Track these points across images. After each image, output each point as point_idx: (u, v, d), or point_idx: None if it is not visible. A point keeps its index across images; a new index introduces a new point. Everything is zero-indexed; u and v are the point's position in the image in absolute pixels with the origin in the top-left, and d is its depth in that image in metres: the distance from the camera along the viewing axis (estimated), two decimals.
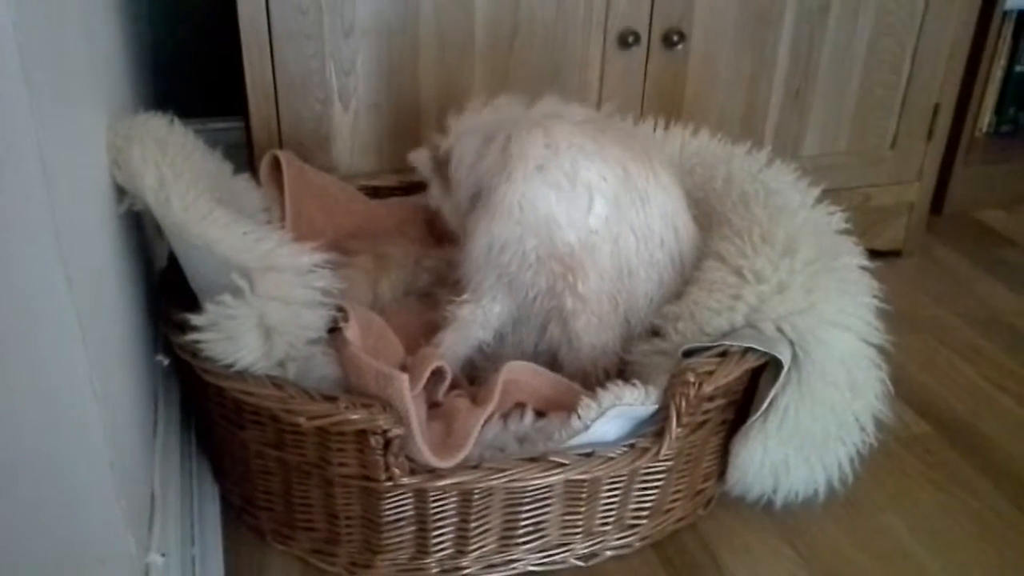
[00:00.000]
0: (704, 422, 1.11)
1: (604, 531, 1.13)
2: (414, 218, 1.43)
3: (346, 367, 1.03)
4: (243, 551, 1.13)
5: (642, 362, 1.16)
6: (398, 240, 1.38)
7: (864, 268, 1.19)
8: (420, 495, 1.02)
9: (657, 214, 1.16)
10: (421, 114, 1.47)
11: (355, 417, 0.95)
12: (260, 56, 1.35)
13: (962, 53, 1.71)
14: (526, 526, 1.08)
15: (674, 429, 1.02)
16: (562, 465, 1.01)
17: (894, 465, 1.31)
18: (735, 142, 1.40)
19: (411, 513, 1.04)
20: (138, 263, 1.12)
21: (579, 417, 1.03)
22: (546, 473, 1.00)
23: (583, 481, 1.05)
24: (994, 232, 2.01)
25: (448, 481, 0.99)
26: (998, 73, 2.06)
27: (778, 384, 1.08)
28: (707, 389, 1.03)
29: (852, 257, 1.19)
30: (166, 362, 1.15)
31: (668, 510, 1.16)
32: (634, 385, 1.04)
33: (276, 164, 1.35)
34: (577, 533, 1.11)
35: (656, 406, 1.04)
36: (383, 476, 0.99)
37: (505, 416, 1.09)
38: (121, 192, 1.03)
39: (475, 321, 1.20)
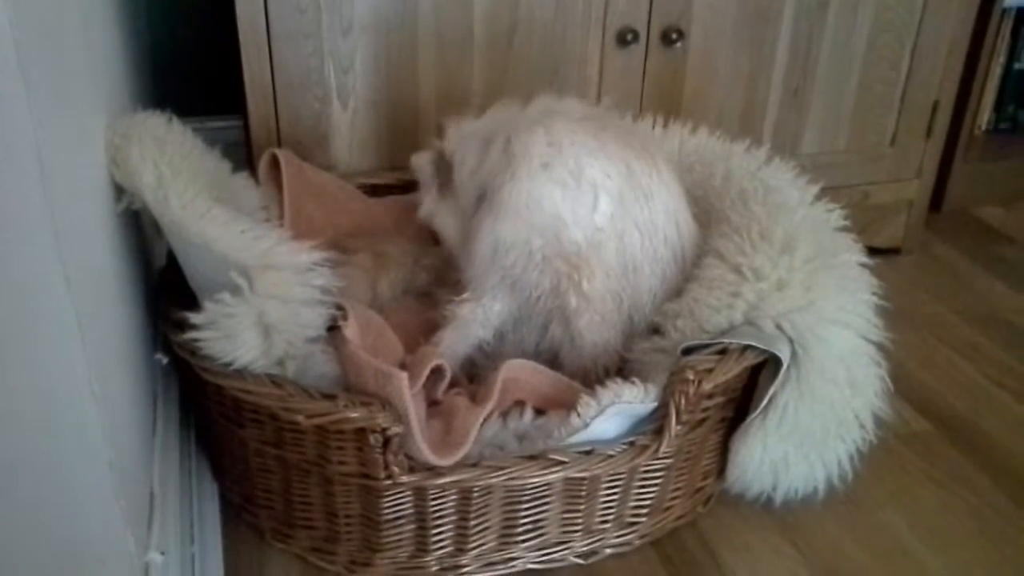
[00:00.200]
0: (703, 420, 1.11)
1: (603, 529, 1.13)
2: (413, 216, 1.42)
3: (345, 365, 1.03)
4: (242, 549, 1.13)
5: (642, 360, 1.16)
6: (397, 238, 1.37)
7: (863, 265, 1.19)
8: (419, 493, 1.02)
9: (660, 210, 1.16)
10: (420, 112, 1.47)
11: (354, 415, 0.95)
12: (258, 54, 1.35)
13: (961, 50, 1.71)
14: (525, 524, 1.08)
15: (673, 427, 1.02)
16: (561, 463, 1.00)
17: (894, 462, 1.31)
18: (734, 140, 1.40)
19: (410, 511, 1.04)
20: (137, 262, 1.12)
21: (578, 415, 1.03)
22: (545, 471, 1.00)
23: (582, 479, 1.05)
24: (993, 229, 2.01)
25: (447, 479, 0.99)
26: (997, 70, 2.06)
27: (777, 381, 1.08)
28: (706, 387, 1.03)
29: (851, 254, 1.19)
30: (165, 360, 1.15)
31: (667, 508, 1.16)
32: (633, 383, 1.04)
33: (275, 162, 1.35)
34: (576, 531, 1.11)
35: (655, 404, 1.04)
36: (382, 474, 0.99)
37: (504, 414, 1.09)
38: (119, 191, 1.03)
39: (475, 320, 1.20)
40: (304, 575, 1.11)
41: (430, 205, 1.26)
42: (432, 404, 1.09)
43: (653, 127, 1.42)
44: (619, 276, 1.16)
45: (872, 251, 1.24)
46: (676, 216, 1.18)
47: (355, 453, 1.00)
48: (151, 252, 1.22)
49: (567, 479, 1.04)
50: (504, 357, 1.14)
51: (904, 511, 1.23)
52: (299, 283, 1.01)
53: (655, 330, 1.17)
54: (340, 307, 1.06)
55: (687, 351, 1.08)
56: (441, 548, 1.08)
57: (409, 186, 1.43)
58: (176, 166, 1.05)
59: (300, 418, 0.98)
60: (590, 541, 1.13)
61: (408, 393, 0.96)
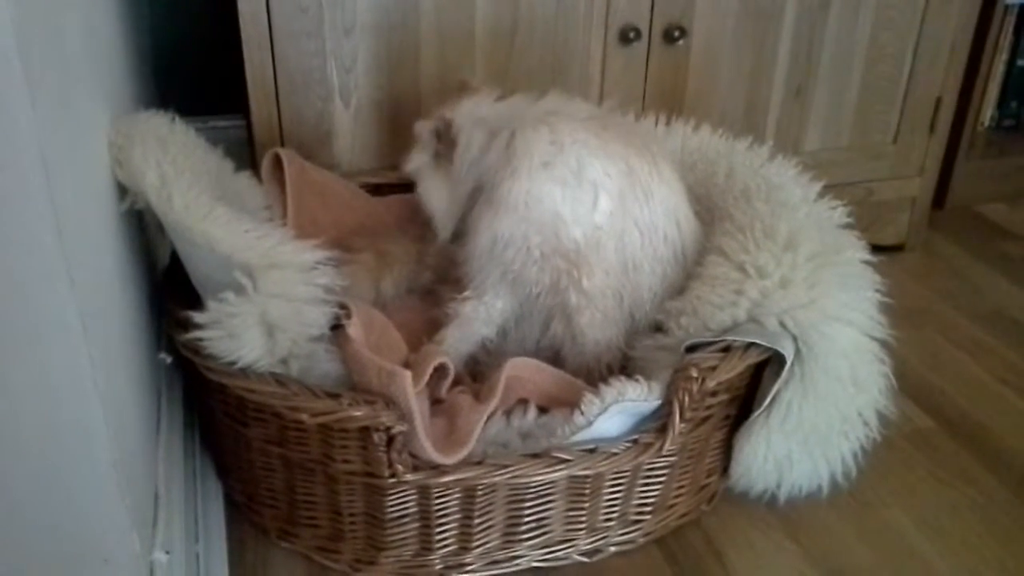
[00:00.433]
0: (707, 417, 1.11)
1: (607, 527, 1.13)
2: (415, 215, 1.42)
3: (349, 364, 1.03)
4: (247, 548, 1.14)
5: (645, 357, 1.16)
6: (400, 237, 1.38)
7: (866, 263, 1.19)
8: (423, 491, 1.02)
9: (660, 209, 1.16)
10: (422, 111, 1.46)
11: (358, 414, 0.95)
12: (261, 54, 1.35)
13: (964, 47, 1.71)
14: (529, 522, 1.08)
15: (677, 424, 1.02)
16: (565, 461, 1.00)
17: (898, 460, 1.31)
18: (737, 137, 1.40)
19: (414, 509, 1.04)
20: (140, 261, 1.12)
21: (582, 413, 1.03)
22: (549, 469, 1.00)
23: (586, 477, 1.05)
24: (996, 226, 2.01)
25: (451, 477, 0.99)
26: (1000, 67, 2.06)
27: (781, 379, 1.08)
28: (710, 384, 1.03)
29: (854, 252, 1.19)
30: (169, 360, 1.15)
31: (671, 506, 1.16)
32: (637, 381, 1.04)
33: (277, 162, 1.35)
34: (580, 529, 1.11)
35: (659, 401, 1.04)
36: (386, 473, 0.99)
37: (508, 412, 1.09)
38: (123, 190, 1.03)
39: (477, 317, 1.20)
40: (308, 574, 1.11)
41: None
42: (436, 402, 1.09)
43: (656, 125, 1.42)
44: (619, 274, 1.16)
45: (875, 248, 1.24)
46: (677, 215, 1.18)
47: (359, 451, 1.00)
48: (154, 252, 1.22)
49: (571, 477, 1.04)
50: (507, 354, 1.14)
51: (908, 508, 1.23)
52: (302, 282, 1.01)
53: (658, 328, 1.17)
54: (343, 306, 1.06)
55: (691, 349, 1.08)
56: (445, 546, 1.08)
57: (412, 185, 1.43)
58: (179, 166, 1.05)
59: (304, 417, 0.98)
60: (594, 539, 1.13)
61: (412, 391, 0.96)
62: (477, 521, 1.06)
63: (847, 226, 1.23)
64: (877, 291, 1.17)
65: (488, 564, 1.10)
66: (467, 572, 1.10)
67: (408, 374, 0.96)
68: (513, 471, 0.99)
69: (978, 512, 1.23)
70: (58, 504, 0.74)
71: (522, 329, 1.22)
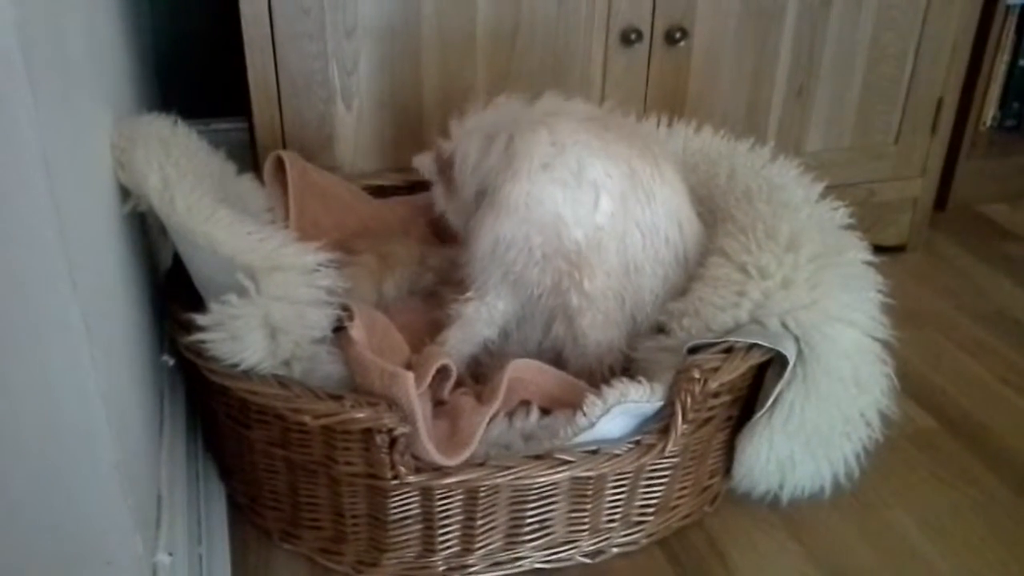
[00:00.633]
0: (709, 418, 1.11)
1: (610, 528, 1.13)
2: (418, 217, 1.43)
3: (351, 366, 1.03)
4: (250, 550, 1.14)
5: (647, 359, 1.16)
6: (402, 239, 1.38)
7: (868, 263, 1.19)
8: (426, 493, 1.02)
9: (662, 210, 1.16)
10: (424, 113, 1.47)
11: (361, 416, 0.95)
12: (263, 56, 1.35)
13: (965, 47, 1.71)
14: (532, 523, 1.08)
15: (679, 426, 1.02)
16: (568, 462, 1.01)
17: (900, 460, 1.31)
18: (738, 138, 1.40)
19: (417, 511, 1.05)
20: (143, 264, 1.12)
21: (584, 414, 1.03)
22: (552, 470, 1.00)
23: (589, 478, 1.05)
24: (998, 226, 2.01)
25: (454, 479, 0.99)
26: (1001, 67, 2.05)
27: (783, 380, 1.08)
28: (712, 385, 1.03)
29: (856, 252, 1.19)
30: (171, 362, 1.15)
31: (674, 507, 1.16)
32: (639, 382, 1.04)
33: (280, 164, 1.35)
34: (583, 530, 1.11)
35: (661, 403, 1.04)
36: (389, 474, 0.99)
37: (510, 414, 1.09)
38: (125, 193, 1.03)
39: (479, 319, 1.20)
40: (311, 575, 1.11)
41: (441, 201, 1.26)
42: (438, 404, 1.09)
43: (658, 126, 1.42)
44: (620, 276, 1.16)
45: (877, 249, 1.24)
46: (679, 216, 1.18)
47: (361, 453, 1.00)
48: (157, 254, 1.22)
49: (573, 478, 1.04)
50: (508, 356, 1.14)
51: (911, 509, 1.23)
52: (305, 284, 1.01)
53: (660, 329, 1.17)
54: (346, 308, 1.06)
55: (693, 350, 1.08)
56: (448, 548, 1.08)
57: (414, 187, 1.43)
58: (182, 168, 1.05)
59: (307, 419, 0.98)
60: (597, 540, 1.13)
61: (414, 393, 0.96)
62: (480, 522, 1.06)
63: (849, 227, 1.23)
64: (879, 292, 1.17)
65: (491, 566, 1.10)
66: (470, 573, 1.10)
67: (410, 376, 0.96)
68: (516, 472, 0.99)
69: (980, 512, 1.23)
70: (61, 506, 0.74)
71: (524, 330, 1.22)
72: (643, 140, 1.20)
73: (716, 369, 1.04)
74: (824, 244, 1.15)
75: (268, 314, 0.98)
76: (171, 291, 1.14)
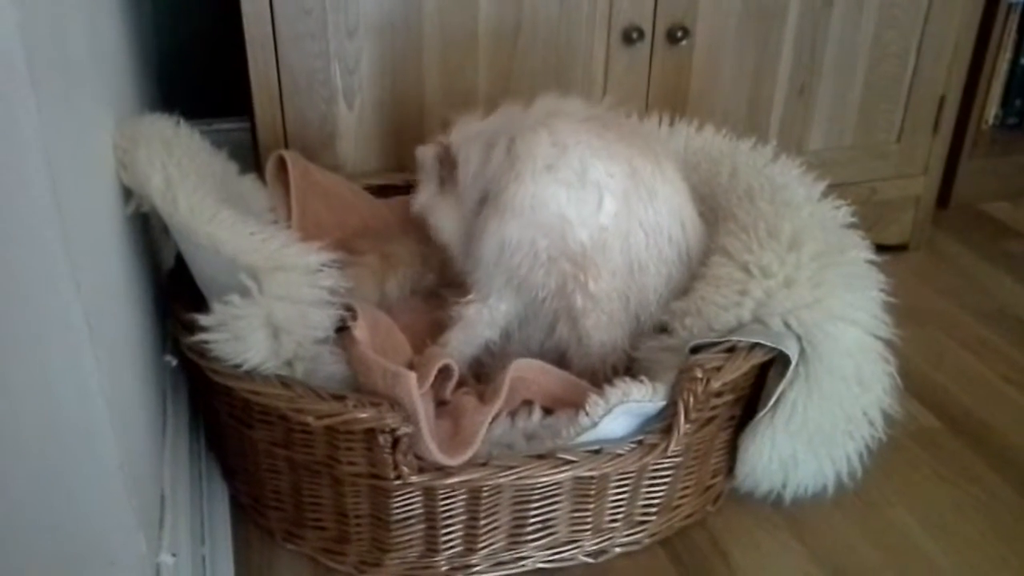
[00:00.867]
0: (712, 418, 1.11)
1: (613, 528, 1.13)
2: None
3: (354, 366, 1.03)
4: (253, 550, 1.14)
5: (650, 358, 1.16)
6: (404, 239, 1.38)
7: (871, 262, 1.19)
8: (429, 493, 1.03)
9: (665, 209, 1.15)
10: (425, 112, 1.47)
11: (363, 416, 0.95)
12: (265, 56, 1.35)
13: (967, 45, 1.71)
14: (535, 523, 1.08)
15: (682, 425, 1.02)
16: (570, 462, 1.01)
17: (903, 459, 1.31)
18: (740, 137, 1.40)
19: (420, 511, 1.05)
20: (145, 264, 1.12)
21: (587, 414, 1.03)
22: (554, 470, 1.00)
23: (591, 478, 1.05)
24: (1001, 224, 2.01)
25: (457, 479, 0.99)
26: (1003, 66, 2.05)
27: (786, 379, 1.08)
28: (715, 385, 1.03)
29: (858, 251, 1.19)
30: (174, 362, 1.15)
31: (677, 506, 1.16)
32: (642, 382, 1.04)
33: (282, 164, 1.35)
34: (586, 530, 1.11)
35: (664, 402, 1.04)
36: (392, 474, 0.99)
37: (513, 414, 1.09)
38: (128, 193, 1.03)
39: (481, 321, 1.20)
40: (314, 575, 1.11)
41: (426, 199, 1.25)
42: (440, 404, 1.09)
43: (659, 125, 1.42)
44: (625, 275, 1.16)
45: (879, 247, 1.24)
46: (681, 215, 1.18)
47: (364, 453, 1.00)
48: (159, 254, 1.22)
49: (576, 478, 1.04)
50: (511, 357, 1.14)
51: (914, 508, 1.23)
52: (307, 284, 1.01)
53: (663, 329, 1.17)
54: (349, 308, 1.06)
55: (695, 349, 1.08)
56: (451, 548, 1.08)
57: (416, 186, 1.43)
58: (184, 168, 1.05)
59: (309, 419, 0.98)
60: (599, 540, 1.13)
61: (417, 393, 0.96)
62: (482, 522, 1.06)
63: (851, 225, 1.23)
64: (881, 290, 1.17)
65: (494, 565, 1.10)
66: (473, 573, 1.10)
67: (413, 376, 0.96)
68: (518, 472, 0.99)
69: (983, 511, 1.23)
70: (64, 506, 0.74)
71: (526, 331, 1.22)
72: (643, 139, 1.20)
73: (718, 368, 1.04)
74: (826, 243, 1.15)
75: (271, 314, 0.98)
76: (174, 291, 1.14)
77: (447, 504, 1.04)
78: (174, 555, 0.90)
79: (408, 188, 1.45)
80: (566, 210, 1.12)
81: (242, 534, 1.15)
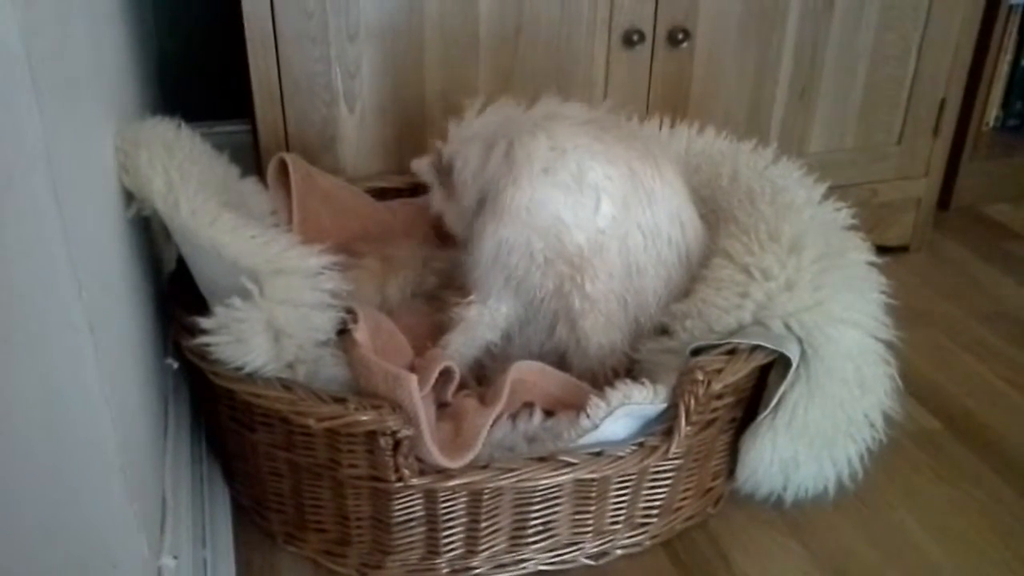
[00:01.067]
0: (713, 420, 1.11)
1: (614, 530, 1.13)
2: (420, 219, 1.43)
3: (355, 368, 1.03)
4: (254, 553, 1.14)
5: (650, 361, 1.16)
6: (405, 241, 1.38)
7: (871, 264, 1.19)
8: (430, 495, 1.03)
9: (664, 212, 1.16)
10: (426, 115, 1.47)
11: (364, 418, 0.96)
12: (266, 59, 1.35)
13: (968, 47, 1.71)
14: (536, 525, 1.08)
15: (683, 427, 1.02)
16: (571, 464, 1.01)
17: (904, 461, 1.31)
18: (741, 139, 1.40)
19: (421, 513, 1.05)
20: (146, 267, 1.13)
21: (588, 416, 1.03)
22: (555, 472, 1.01)
23: (592, 480, 1.05)
24: (1001, 226, 2.01)
25: (458, 481, 0.99)
26: (1004, 68, 2.06)
27: (787, 381, 1.08)
28: (716, 387, 1.03)
29: (859, 253, 1.19)
30: (176, 365, 1.16)
31: (678, 508, 1.16)
32: (643, 384, 1.04)
33: (283, 167, 1.35)
34: (587, 532, 1.11)
35: (665, 405, 1.04)
36: (393, 477, 0.99)
37: (514, 416, 1.09)
38: (129, 197, 1.03)
39: (482, 323, 1.20)
40: None
41: (438, 203, 1.26)
42: (441, 406, 1.09)
43: (660, 128, 1.42)
44: (623, 278, 1.16)
45: (880, 249, 1.24)
46: (680, 218, 1.18)
47: (365, 456, 1.00)
48: (161, 257, 1.22)
49: (577, 480, 1.04)
50: (511, 359, 1.15)
51: (915, 510, 1.23)
52: (309, 287, 1.01)
53: (664, 331, 1.17)
54: (350, 310, 1.06)
55: (696, 352, 1.08)
56: (452, 550, 1.08)
57: (416, 189, 1.43)
58: (185, 172, 1.05)
59: (311, 421, 0.98)
60: (601, 542, 1.13)
61: (418, 395, 0.96)
62: (483, 525, 1.06)
63: (852, 227, 1.23)
64: (882, 293, 1.17)
65: (495, 568, 1.10)
66: None
67: (414, 378, 0.97)
68: (519, 475, 1.00)
69: (984, 512, 1.23)
70: (66, 509, 0.74)
71: (527, 333, 1.22)
72: (642, 142, 1.20)
73: (719, 371, 1.04)
74: (827, 245, 1.15)
75: (272, 317, 0.99)
76: (175, 294, 1.14)
77: (448, 506, 1.04)
78: (175, 557, 0.91)
79: (409, 191, 1.46)
80: (563, 213, 1.12)
81: (243, 536, 1.15)
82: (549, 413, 1.11)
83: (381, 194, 1.46)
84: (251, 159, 1.47)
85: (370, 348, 1.03)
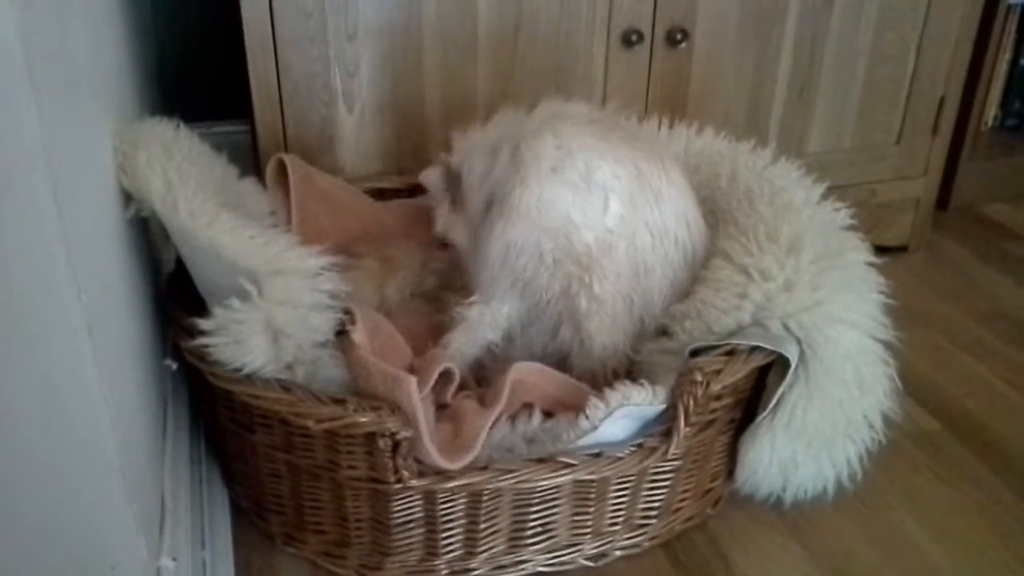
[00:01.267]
0: (712, 421, 1.11)
1: (613, 531, 1.13)
2: (420, 220, 1.43)
3: (354, 370, 1.03)
4: (253, 554, 1.14)
5: (649, 361, 1.16)
6: (404, 242, 1.38)
7: (870, 264, 1.19)
8: (429, 497, 1.03)
9: (671, 211, 1.16)
10: (425, 116, 1.47)
11: (364, 420, 0.95)
12: (264, 59, 1.35)
13: (966, 47, 1.71)
14: (535, 527, 1.08)
15: (682, 428, 1.02)
16: (570, 466, 1.01)
17: (903, 462, 1.31)
18: (740, 140, 1.40)
19: (420, 515, 1.05)
20: (145, 268, 1.12)
21: (587, 417, 1.03)
22: (555, 474, 1.00)
23: (592, 481, 1.05)
24: (1000, 226, 2.01)
25: (457, 483, 0.99)
26: (1002, 67, 2.06)
27: (785, 382, 1.08)
28: (715, 388, 1.03)
29: (858, 253, 1.19)
30: (174, 366, 1.15)
31: (677, 509, 1.16)
32: (642, 385, 1.04)
33: (281, 167, 1.35)
34: (586, 533, 1.11)
35: (664, 406, 1.04)
36: (392, 478, 0.99)
37: (513, 417, 1.09)
38: (128, 198, 1.03)
39: (483, 322, 1.20)
40: None
41: (444, 219, 1.26)
42: (441, 407, 1.09)
43: (659, 128, 1.42)
44: (630, 278, 1.16)
45: (879, 249, 1.24)
46: (686, 217, 1.18)
47: (364, 457, 1.00)
48: (159, 258, 1.22)
49: (576, 482, 1.04)
50: (512, 359, 1.14)
51: (914, 510, 1.23)
52: (307, 288, 1.01)
53: (663, 332, 1.17)
54: (348, 311, 1.06)
55: (695, 353, 1.08)
56: (451, 551, 1.08)
57: (415, 189, 1.43)
58: (184, 172, 1.05)
59: (310, 423, 0.98)
60: (600, 543, 1.13)
61: (417, 397, 0.96)
62: (483, 526, 1.06)
63: (850, 227, 1.23)
64: (881, 293, 1.17)
65: (494, 569, 1.10)
66: None
67: (413, 379, 0.96)
68: (518, 476, 0.99)
69: (983, 513, 1.23)
70: (65, 510, 0.74)
71: (529, 334, 1.22)
72: (647, 142, 1.20)
73: (718, 372, 1.04)
74: (826, 246, 1.15)
75: (271, 318, 0.98)
76: (174, 295, 1.14)
77: (447, 508, 1.04)
78: (174, 559, 0.90)
79: (408, 191, 1.46)
80: (572, 212, 1.12)
81: (242, 538, 1.15)
82: (548, 414, 1.11)
83: (380, 194, 1.46)
84: (250, 159, 1.47)
85: (368, 349, 1.03)
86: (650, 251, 1.15)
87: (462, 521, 1.05)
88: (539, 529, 1.09)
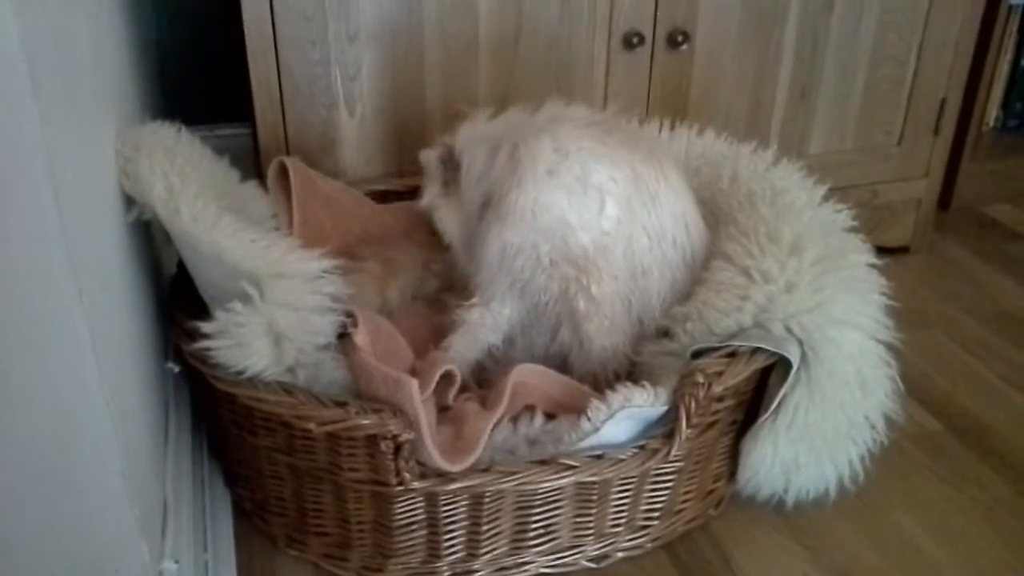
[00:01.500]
0: (714, 423, 1.11)
1: (615, 533, 1.13)
2: (421, 222, 1.43)
3: (356, 372, 1.03)
4: (255, 557, 1.14)
5: (651, 363, 1.16)
6: (405, 244, 1.38)
7: (872, 265, 1.19)
8: (431, 499, 1.03)
9: (668, 214, 1.16)
10: (427, 118, 1.47)
11: (365, 422, 0.96)
12: (266, 62, 1.35)
13: (968, 47, 1.71)
14: (537, 529, 1.08)
15: (684, 430, 1.02)
16: (572, 467, 1.01)
17: (905, 463, 1.31)
18: (741, 141, 1.40)
19: (422, 517, 1.05)
20: (147, 271, 1.13)
21: (589, 419, 1.03)
22: (556, 476, 1.01)
23: (593, 483, 1.05)
24: (1002, 227, 2.01)
25: (459, 485, 0.99)
26: (1004, 68, 2.06)
27: (787, 383, 1.08)
28: (716, 390, 1.03)
29: (860, 255, 1.19)
30: (177, 369, 1.16)
31: (679, 511, 1.16)
32: (643, 386, 1.04)
33: (283, 170, 1.35)
34: (588, 535, 1.11)
35: (666, 407, 1.04)
36: (394, 481, 0.99)
37: (515, 419, 1.09)
38: (130, 201, 1.03)
39: (484, 325, 1.20)
40: None
41: (432, 198, 1.26)
42: (442, 410, 1.09)
43: (660, 130, 1.42)
44: (627, 280, 1.16)
45: (881, 251, 1.24)
46: (686, 219, 1.18)
47: (366, 460, 1.00)
48: (161, 262, 1.22)
49: (578, 483, 1.04)
50: (513, 362, 1.14)
51: (916, 512, 1.23)
52: (309, 291, 1.01)
53: (664, 333, 1.17)
54: (350, 314, 1.06)
55: (696, 354, 1.08)
56: (453, 553, 1.08)
57: (417, 192, 1.43)
58: (186, 176, 1.05)
59: (311, 425, 0.98)
60: (602, 545, 1.13)
61: (418, 399, 0.96)
62: (485, 528, 1.06)
63: (852, 229, 1.23)
64: (883, 294, 1.17)
65: (496, 571, 1.10)
66: None
67: (414, 382, 0.97)
68: (520, 478, 1.00)
69: (985, 514, 1.23)
70: (67, 514, 0.74)
71: (529, 336, 1.22)
72: (646, 144, 1.20)
73: (720, 373, 1.04)
74: (827, 247, 1.15)
75: (273, 321, 0.99)
76: (176, 299, 1.14)
77: (449, 510, 1.04)
78: (177, 562, 0.91)
79: (410, 194, 1.45)
80: (568, 215, 1.12)
81: (245, 540, 1.15)
82: (550, 416, 1.11)
83: (382, 197, 1.46)
84: (251, 162, 1.47)
85: (370, 352, 1.03)
86: (647, 253, 1.15)
87: (464, 523, 1.05)
88: (541, 531, 1.09)
